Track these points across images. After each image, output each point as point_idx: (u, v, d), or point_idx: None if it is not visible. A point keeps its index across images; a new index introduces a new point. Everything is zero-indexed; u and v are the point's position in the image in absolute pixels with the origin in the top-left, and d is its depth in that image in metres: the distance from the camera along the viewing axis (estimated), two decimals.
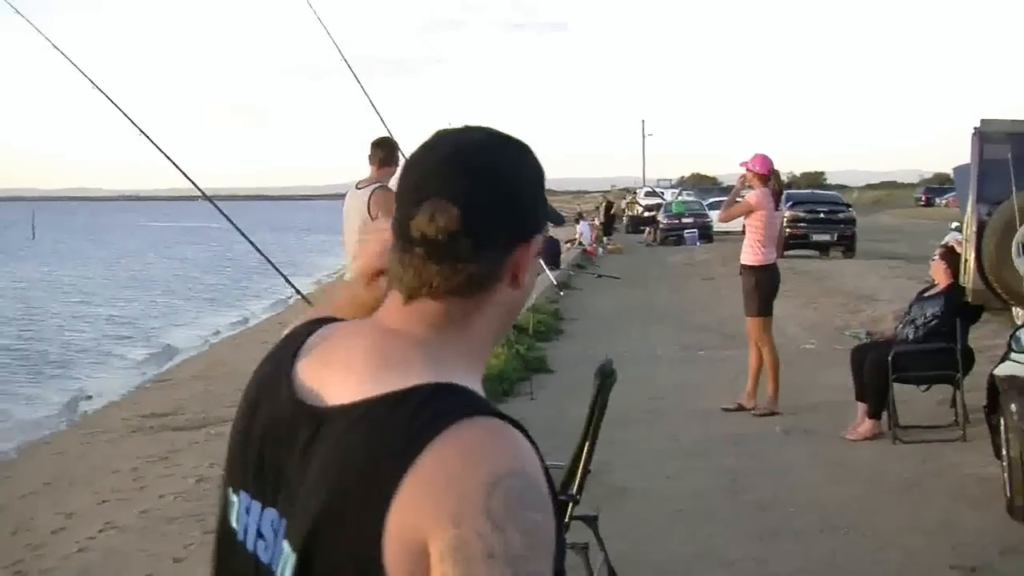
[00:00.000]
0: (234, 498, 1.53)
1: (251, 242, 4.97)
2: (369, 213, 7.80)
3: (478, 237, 1.40)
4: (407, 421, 1.33)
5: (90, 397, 17.20)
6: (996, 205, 8.07)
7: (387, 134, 8.49)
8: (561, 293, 20.89)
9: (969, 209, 8.78)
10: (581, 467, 4.95)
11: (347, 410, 1.39)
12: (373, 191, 7.96)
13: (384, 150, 8.18)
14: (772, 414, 9.70)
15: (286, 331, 1.63)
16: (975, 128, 8.65)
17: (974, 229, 8.36)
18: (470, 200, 1.40)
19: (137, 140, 5.31)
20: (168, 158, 4.88)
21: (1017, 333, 5.92)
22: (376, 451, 1.33)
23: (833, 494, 7.38)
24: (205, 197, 5.12)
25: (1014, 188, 7.81)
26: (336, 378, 1.43)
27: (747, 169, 9.91)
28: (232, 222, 4.98)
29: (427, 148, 1.48)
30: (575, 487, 4.96)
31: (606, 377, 5.02)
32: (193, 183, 4.98)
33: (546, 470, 1.35)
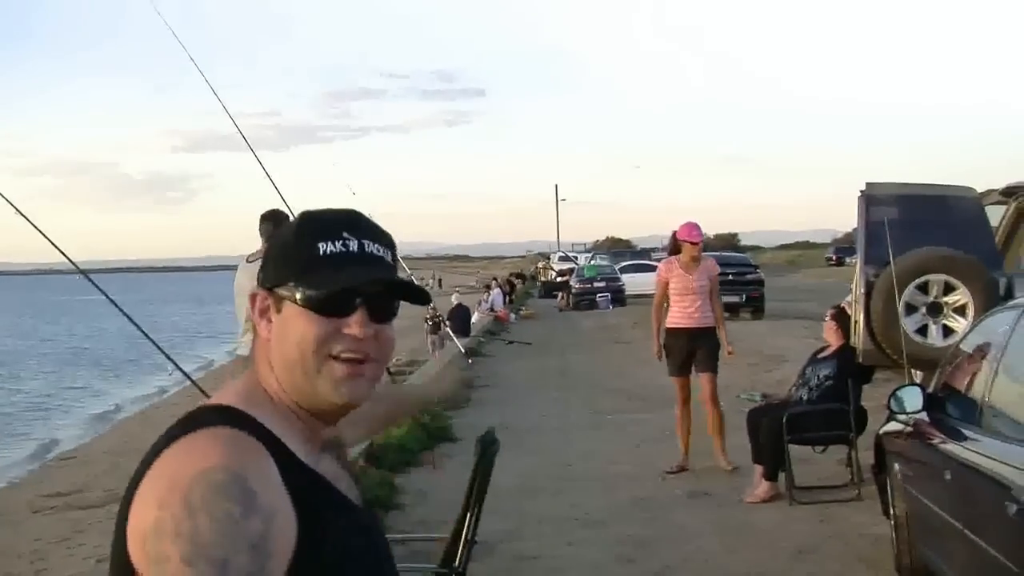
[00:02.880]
0: None
1: (131, 319, 4.88)
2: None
3: (260, 281, 1.68)
4: (166, 433, 1.53)
5: None
6: (883, 266, 8.20)
7: (280, 206, 8.37)
8: (470, 361, 20.86)
9: (857, 270, 8.92)
10: (464, 538, 4.90)
11: None
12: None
13: (271, 223, 8.06)
14: (683, 470, 9.90)
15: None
16: (861, 191, 8.81)
17: (863, 290, 8.48)
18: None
19: (14, 217, 5.24)
20: (40, 231, 4.82)
21: (897, 393, 5.99)
22: (142, 461, 1.52)
23: (731, 559, 7.40)
24: (79, 271, 5.05)
25: (891, 252, 7.94)
26: None
27: (696, 242, 10.09)
28: (108, 296, 4.90)
29: None
30: (458, 559, 4.90)
31: (488, 446, 5.00)
32: (66, 256, 4.91)
33: (295, 482, 1.51)
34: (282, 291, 1.63)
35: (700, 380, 10.13)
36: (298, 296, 1.61)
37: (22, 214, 4.90)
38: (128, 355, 38.83)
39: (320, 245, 1.62)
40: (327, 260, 1.61)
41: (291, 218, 8.14)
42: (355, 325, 1.60)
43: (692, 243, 10.07)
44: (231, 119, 8.20)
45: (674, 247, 10.35)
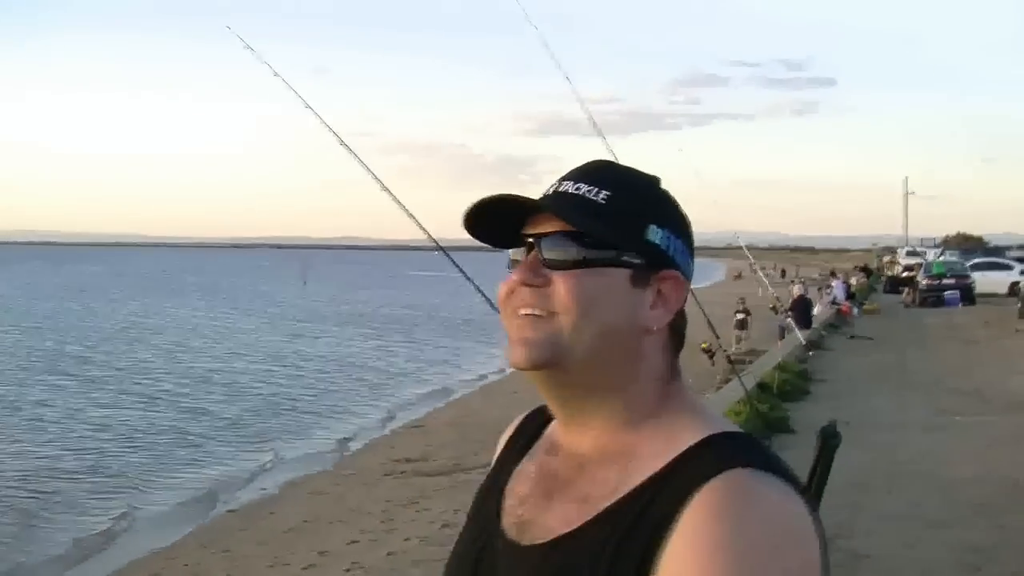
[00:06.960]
0: None
1: (482, 293, 5.16)
2: None
3: None
4: None
5: (348, 440, 17.81)
6: None
7: None
8: (810, 353, 20.54)
9: None
10: None
11: None
12: None
13: None
14: None
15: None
16: None
17: None
18: None
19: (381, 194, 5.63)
20: (406, 210, 5.16)
21: None
22: None
23: None
24: (439, 248, 5.38)
25: None
26: None
27: None
28: (464, 273, 5.21)
29: None
30: None
31: (829, 439, 4.97)
32: (427, 233, 5.24)
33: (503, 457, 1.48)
34: None
35: None
36: None
37: (389, 192, 5.26)
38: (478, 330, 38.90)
39: None
40: None
41: None
42: (515, 271, 1.31)
43: None
44: (582, 105, 8.44)
45: None
